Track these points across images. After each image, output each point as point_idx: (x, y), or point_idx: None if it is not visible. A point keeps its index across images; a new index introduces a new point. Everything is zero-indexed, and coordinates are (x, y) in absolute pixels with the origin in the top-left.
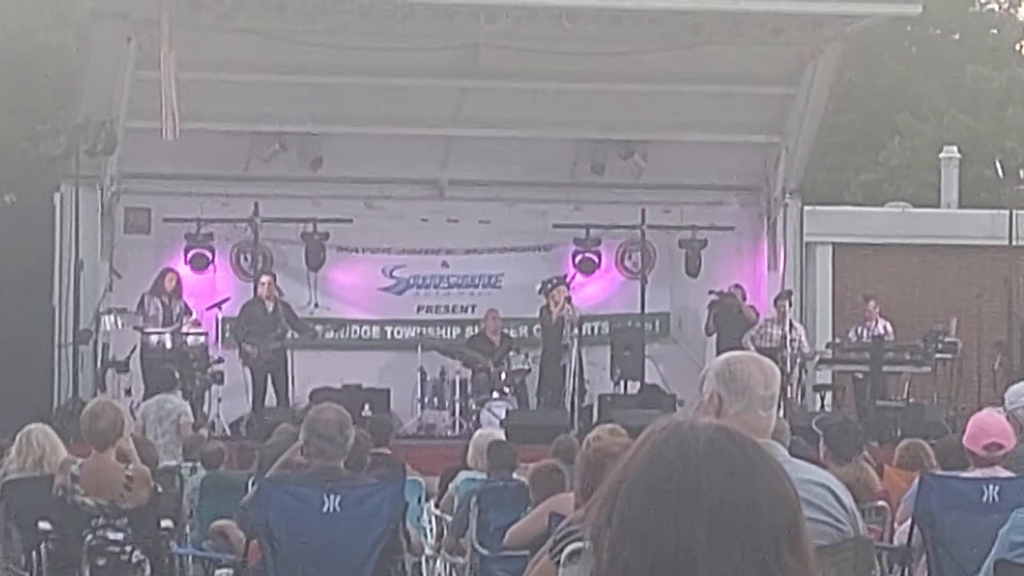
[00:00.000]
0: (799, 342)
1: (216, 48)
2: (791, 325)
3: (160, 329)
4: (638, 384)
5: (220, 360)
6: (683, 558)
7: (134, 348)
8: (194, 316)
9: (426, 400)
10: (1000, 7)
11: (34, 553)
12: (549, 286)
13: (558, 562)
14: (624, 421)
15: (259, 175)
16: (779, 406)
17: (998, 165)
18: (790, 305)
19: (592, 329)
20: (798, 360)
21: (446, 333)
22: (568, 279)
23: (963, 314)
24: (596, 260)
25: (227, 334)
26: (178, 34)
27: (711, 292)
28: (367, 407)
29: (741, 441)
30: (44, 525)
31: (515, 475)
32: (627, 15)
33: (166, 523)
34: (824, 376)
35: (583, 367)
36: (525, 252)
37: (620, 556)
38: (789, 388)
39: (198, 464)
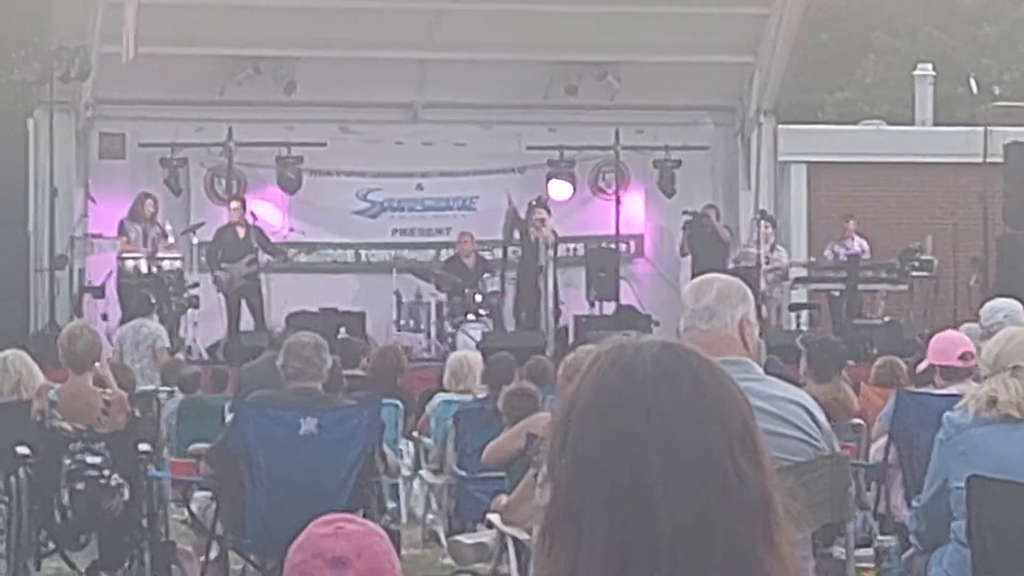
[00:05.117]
0: (779, 261)
1: None
2: (772, 247)
3: (136, 253)
4: (613, 305)
5: (196, 284)
6: (640, 485)
7: (110, 273)
8: (170, 240)
9: (402, 323)
10: None
11: (12, 478)
12: (527, 208)
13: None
14: (599, 342)
15: (233, 100)
16: (756, 324)
17: (972, 82)
18: (772, 226)
19: (567, 250)
20: (779, 278)
21: (421, 256)
22: (543, 200)
23: (938, 232)
24: (570, 181)
25: (202, 258)
26: None
27: (685, 212)
28: (343, 330)
29: (687, 355)
30: (22, 450)
31: None
32: None
33: (144, 447)
34: (800, 295)
35: (558, 288)
36: (499, 174)
37: (576, 488)
38: (764, 307)
39: (175, 388)
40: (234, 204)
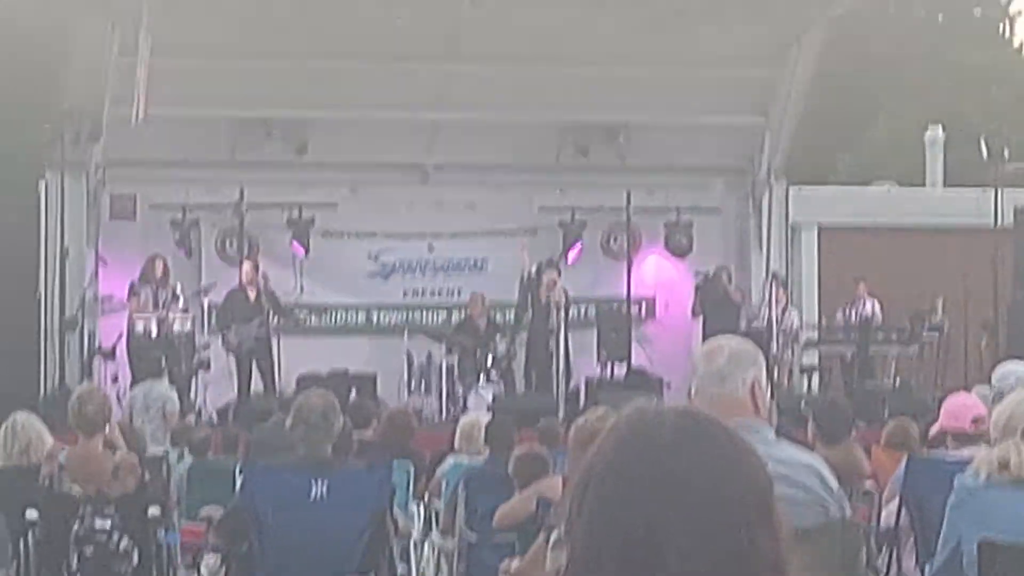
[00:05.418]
0: (791, 324)
1: (200, 34)
2: (784, 309)
3: (146, 315)
4: (625, 367)
5: (207, 346)
6: (653, 547)
7: (121, 335)
8: (181, 302)
9: (413, 385)
10: None
11: (21, 542)
12: (536, 269)
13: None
14: (611, 404)
15: (244, 161)
16: (767, 387)
17: (983, 145)
18: (784, 288)
19: (579, 312)
20: (790, 340)
21: (432, 317)
22: (555, 262)
23: (949, 295)
24: (581, 243)
25: (213, 320)
26: (161, 20)
27: (696, 274)
28: (354, 392)
29: (706, 424)
30: (31, 514)
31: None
32: None
33: (153, 511)
34: (811, 357)
35: (570, 350)
36: (510, 236)
37: (592, 547)
38: (776, 370)
39: (185, 451)
40: (246, 265)
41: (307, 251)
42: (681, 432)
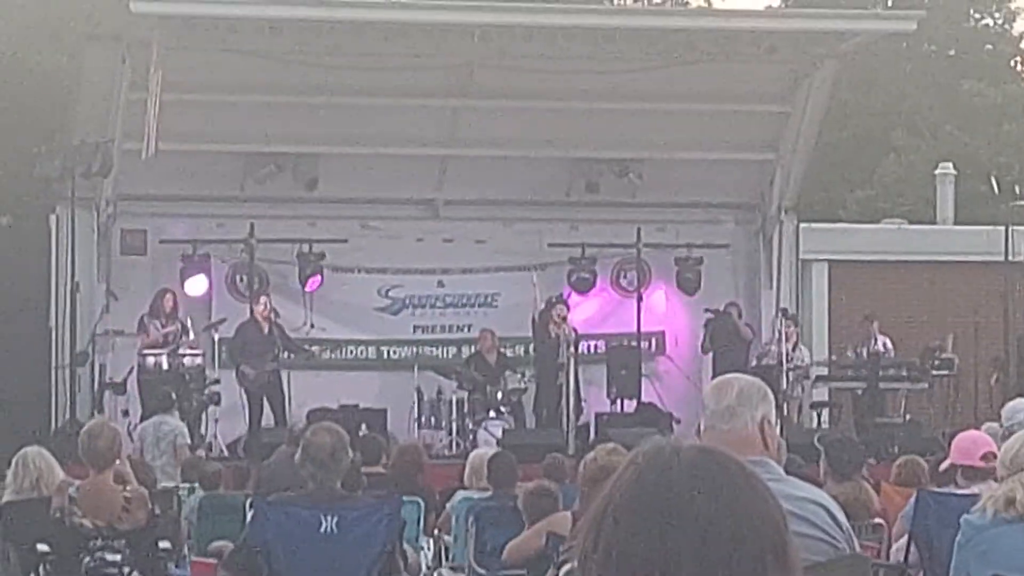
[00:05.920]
0: (801, 360)
1: (211, 69)
2: (794, 346)
3: (157, 350)
4: (634, 402)
5: (217, 381)
6: None
7: (131, 369)
8: (191, 337)
9: (423, 420)
10: (995, 22)
11: (32, 575)
12: (546, 305)
13: None
14: (621, 439)
15: (254, 196)
16: (776, 424)
17: (994, 181)
18: (794, 325)
19: (588, 348)
20: (800, 376)
21: (442, 353)
22: (565, 298)
23: (960, 331)
24: (591, 279)
25: (224, 355)
26: (173, 56)
27: (706, 310)
28: (364, 427)
29: (724, 461)
30: (42, 547)
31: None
32: (621, 34)
33: (164, 544)
34: (821, 394)
35: (579, 386)
36: (521, 271)
37: None
38: (786, 406)
39: (196, 485)
40: (261, 300)
41: (322, 280)
42: (698, 468)
